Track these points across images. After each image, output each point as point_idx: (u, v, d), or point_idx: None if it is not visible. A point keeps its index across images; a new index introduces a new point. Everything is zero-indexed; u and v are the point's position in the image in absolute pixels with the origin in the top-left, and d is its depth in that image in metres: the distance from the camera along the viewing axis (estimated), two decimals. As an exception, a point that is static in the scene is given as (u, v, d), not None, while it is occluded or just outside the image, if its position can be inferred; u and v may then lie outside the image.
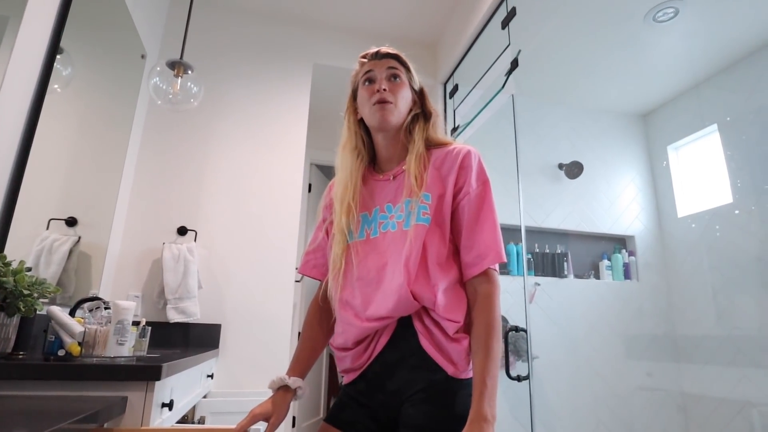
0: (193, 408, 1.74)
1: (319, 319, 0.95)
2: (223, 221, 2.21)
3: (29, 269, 1.13)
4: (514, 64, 1.98)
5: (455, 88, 2.60)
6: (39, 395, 0.91)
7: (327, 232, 0.96)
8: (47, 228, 1.43)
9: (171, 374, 1.08)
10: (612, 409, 2.60)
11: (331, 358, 3.56)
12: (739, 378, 2.30)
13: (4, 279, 1.02)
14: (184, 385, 1.37)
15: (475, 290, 0.80)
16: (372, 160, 0.97)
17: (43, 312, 1.14)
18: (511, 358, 2.19)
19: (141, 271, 2.06)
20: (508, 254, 2.65)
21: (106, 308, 1.33)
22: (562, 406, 2.53)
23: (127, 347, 1.18)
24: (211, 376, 1.95)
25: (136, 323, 1.28)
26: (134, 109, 2.08)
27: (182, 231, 2.15)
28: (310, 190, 3.23)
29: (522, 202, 2.07)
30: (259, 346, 2.12)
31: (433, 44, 2.82)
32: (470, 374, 0.78)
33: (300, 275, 2.93)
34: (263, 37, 2.54)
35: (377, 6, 2.53)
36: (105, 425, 0.86)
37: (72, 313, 1.31)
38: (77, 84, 1.57)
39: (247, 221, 2.25)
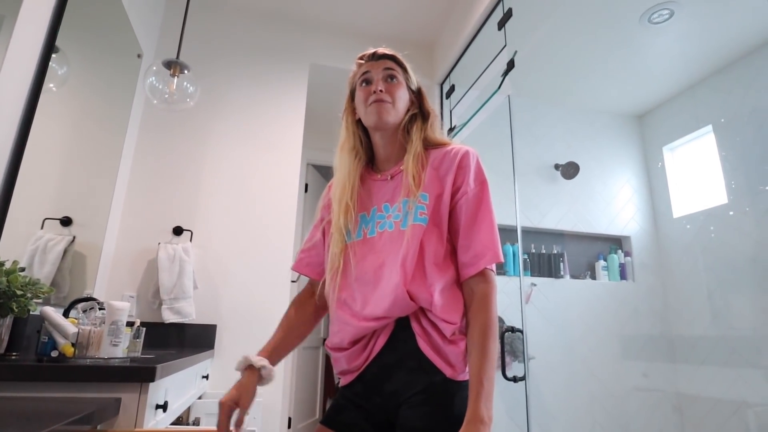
0: (188, 409, 1.73)
1: (303, 311, 0.95)
2: (219, 221, 2.21)
3: (23, 269, 1.12)
4: (511, 65, 1.99)
5: (452, 88, 2.60)
6: (32, 396, 0.90)
7: (324, 232, 0.96)
8: (42, 227, 1.42)
9: (165, 375, 1.08)
10: (608, 409, 2.60)
11: (327, 359, 3.55)
12: (734, 378, 2.31)
13: (-3, 279, 1.02)
14: (178, 386, 1.36)
15: (471, 290, 0.80)
16: (370, 160, 0.97)
17: (37, 312, 1.13)
18: (507, 359, 2.19)
19: (136, 271, 2.06)
20: (504, 255, 2.65)
21: (100, 309, 1.32)
22: (558, 406, 2.54)
23: (121, 348, 1.17)
24: (206, 377, 1.94)
25: (130, 324, 1.27)
26: (130, 108, 2.07)
27: (178, 231, 2.14)
28: (306, 190, 3.22)
29: (518, 202, 2.07)
30: (255, 347, 2.08)
31: (429, 45, 2.83)
32: (468, 376, 0.77)
33: (296, 275, 2.92)
34: (260, 37, 2.54)
35: (374, 6, 2.53)
36: (98, 427, 0.86)
37: (66, 314, 1.30)
38: (73, 83, 1.56)
39: (243, 221, 2.24)
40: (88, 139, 1.74)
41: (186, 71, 1.85)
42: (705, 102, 2.69)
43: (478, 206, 0.83)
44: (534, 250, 2.82)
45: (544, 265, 2.80)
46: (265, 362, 0.84)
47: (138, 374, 0.98)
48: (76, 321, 1.21)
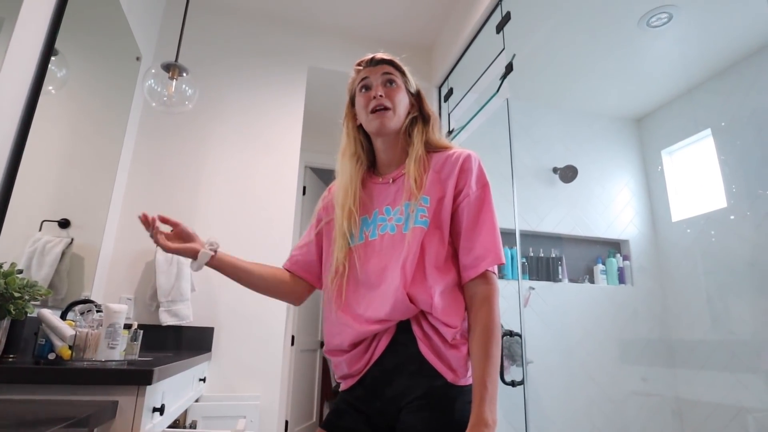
0: (185, 412, 1.73)
1: (278, 277, 1.01)
2: (217, 223, 2.21)
3: (20, 271, 1.12)
4: (509, 68, 1.99)
5: (450, 91, 2.61)
6: (28, 399, 0.90)
7: (320, 233, 0.97)
8: (40, 229, 1.42)
9: (162, 378, 1.07)
10: (607, 414, 2.60)
11: (324, 362, 3.54)
12: (733, 383, 2.31)
13: (-6, 281, 1.02)
14: (175, 389, 1.36)
15: (473, 293, 0.80)
16: (372, 164, 0.97)
17: (34, 315, 1.13)
18: (506, 363, 2.18)
19: (134, 273, 2.05)
20: (503, 258, 2.65)
21: (97, 311, 1.32)
22: (557, 411, 2.53)
23: (118, 351, 1.17)
24: (204, 380, 1.93)
25: (128, 326, 1.27)
26: (129, 111, 2.07)
27: (176, 233, 2.13)
28: (304, 193, 3.22)
29: (516, 205, 2.07)
30: (252, 350, 2.10)
31: (428, 48, 2.84)
32: (470, 381, 0.77)
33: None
34: (258, 40, 2.55)
35: (372, 9, 2.54)
36: (95, 430, 0.85)
37: (63, 316, 1.30)
38: (72, 86, 1.56)
39: (241, 223, 2.24)
40: (86, 142, 1.74)
41: (184, 74, 1.85)
42: (704, 105, 2.70)
43: (480, 208, 0.83)
44: (532, 254, 2.82)
45: (542, 269, 2.80)
46: (213, 252, 0.92)
47: (135, 377, 0.97)
48: (73, 323, 1.21)
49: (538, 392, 2.50)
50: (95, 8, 1.67)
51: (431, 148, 0.91)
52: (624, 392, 2.65)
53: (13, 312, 1.03)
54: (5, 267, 1.08)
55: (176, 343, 2.00)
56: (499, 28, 2.03)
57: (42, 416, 0.74)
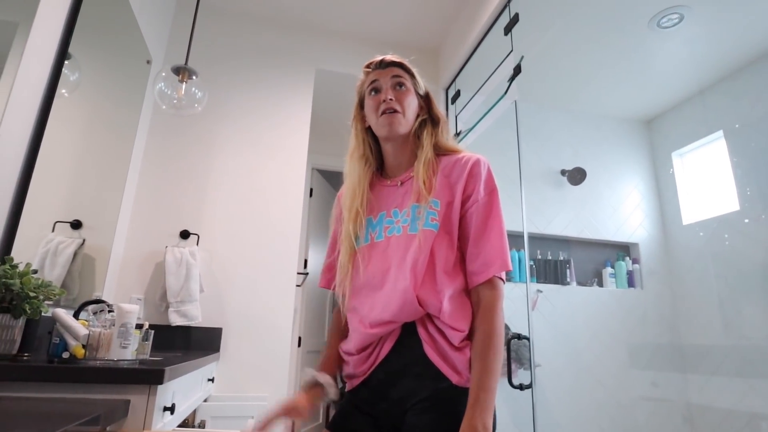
0: (194, 412, 1.74)
1: (340, 325, 0.95)
2: (225, 225, 2.22)
3: (35, 271, 1.14)
4: (517, 70, 1.99)
5: (457, 93, 2.61)
6: (42, 397, 0.91)
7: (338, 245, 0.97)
8: (53, 230, 1.44)
9: (173, 378, 1.09)
10: (615, 418, 2.57)
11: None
12: (746, 389, 2.27)
13: (11, 281, 1.04)
14: (185, 388, 1.37)
15: (479, 298, 0.80)
16: (380, 167, 0.97)
17: (48, 314, 1.15)
18: (513, 366, 2.17)
19: (144, 273, 2.08)
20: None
21: (109, 311, 1.33)
22: (565, 414, 2.51)
23: (130, 350, 1.18)
24: (212, 380, 1.95)
25: (139, 326, 1.28)
26: (139, 113, 2.10)
27: (185, 234, 2.16)
28: (311, 195, 3.24)
29: (524, 208, 2.06)
30: (260, 350, 2.12)
31: (435, 50, 2.84)
32: None
33: (302, 279, 2.93)
34: (267, 43, 2.57)
35: (379, 12, 2.54)
36: (107, 428, 0.87)
37: (76, 316, 1.32)
38: (84, 89, 1.59)
39: (249, 225, 2.26)
40: (98, 144, 1.77)
41: (194, 77, 1.87)
42: (716, 107, 2.66)
43: (488, 214, 0.82)
44: (540, 257, 2.80)
45: (550, 272, 2.78)
46: (330, 380, 0.85)
47: (147, 376, 0.99)
48: (86, 323, 1.23)
49: (546, 396, 2.48)
50: (107, 13, 1.70)
51: (440, 151, 0.90)
52: (633, 397, 2.62)
53: (29, 311, 1.05)
54: (21, 267, 1.10)
55: (185, 344, 2.02)
56: (508, 29, 2.03)
57: (56, 414, 0.75)
